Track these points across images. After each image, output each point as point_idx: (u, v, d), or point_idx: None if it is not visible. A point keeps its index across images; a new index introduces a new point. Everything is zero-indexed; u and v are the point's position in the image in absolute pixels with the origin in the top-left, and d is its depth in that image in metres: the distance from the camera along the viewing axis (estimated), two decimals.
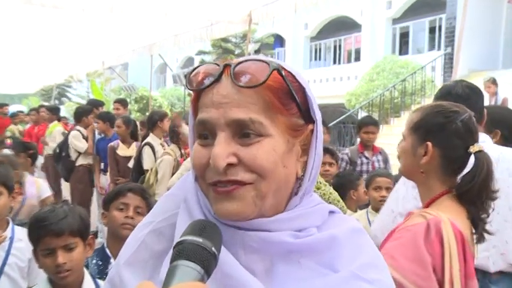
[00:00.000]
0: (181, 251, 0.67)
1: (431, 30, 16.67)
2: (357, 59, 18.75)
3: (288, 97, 0.77)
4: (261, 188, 0.75)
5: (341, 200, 2.41)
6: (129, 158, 5.59)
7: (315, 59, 21.56)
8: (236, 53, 22.21)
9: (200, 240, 0.68)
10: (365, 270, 0.77)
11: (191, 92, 0.82)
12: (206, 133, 0.77)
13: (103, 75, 17.97)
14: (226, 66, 0.76)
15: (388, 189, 3.34)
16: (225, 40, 21.48)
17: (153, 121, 5.37)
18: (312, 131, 0.82)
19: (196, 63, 23.88)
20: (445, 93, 2.34)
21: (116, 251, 2.15)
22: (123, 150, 5.76)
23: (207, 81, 0.77)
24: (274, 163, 0.75)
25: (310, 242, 0.79)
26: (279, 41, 22.78)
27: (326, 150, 3.97)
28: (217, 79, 0.76)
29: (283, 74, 0.77)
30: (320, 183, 2.23)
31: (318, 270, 0.77)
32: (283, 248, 0.78)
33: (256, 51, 20.08)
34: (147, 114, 7.85)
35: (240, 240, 0.78)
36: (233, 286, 0.74)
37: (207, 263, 0.67)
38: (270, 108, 0.75)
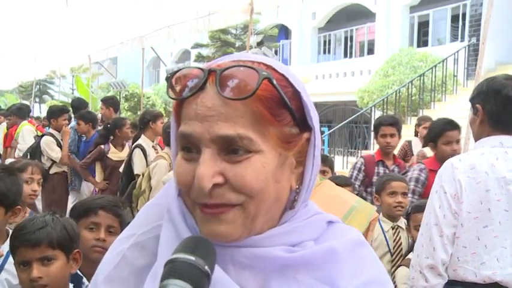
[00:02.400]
0: (172, 270, 0.69)
1: (454, 18, 16.66)
2: (370, 51, 18.75)
3: (279, 106, 0.76)
4: (250, 209, 0.76)
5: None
6: (121, 162, 5.61)
7: (324, 52, 21.57)
8: (236, 45, 22.24)
9: (193, 258, 0.70)
10: None
11: None
12: (190, 146, 0.77)
13: (89, 70, 18.02)
14: (211, 72, 0.75)
15: (404, 194, 3.42)
16: (224, 32, 21.51)
17: (145, 121, 5.38)
18: (309, 139, 0.82)
19: (192, 57, 23.99)
20: (492, 92, 2.32)
21: (88, 270, 2.07)
22: (114, 154, 5.78)
23: (190, 84, 0.76)
24: (264, 181, 0.75)
25: (306, 256, 0.79)
26: (284, 32, 22.81)
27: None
28: (202, 87, 0.75)
29: (275, 82, 0.75)
30: None
31: (317, 287, 0.78)
32: (276, 263, 0.78)
33: (259, 44, 20.08)
34: (139, 113, 7.83)
35: (230, 256, 0.78)
36: None
37: (200, 283, 0.69)
38: (259, 120, 0.75)
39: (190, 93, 0.76)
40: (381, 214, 3.45)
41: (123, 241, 0.89)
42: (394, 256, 3.31)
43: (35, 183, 3.25)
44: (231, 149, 0.74)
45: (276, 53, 21.33)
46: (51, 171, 6.25)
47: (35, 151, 6.38)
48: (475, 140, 2.45)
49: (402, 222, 3.42)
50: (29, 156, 6.36)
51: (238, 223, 0.76)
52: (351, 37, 20.50)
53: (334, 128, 12.73)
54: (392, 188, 3.41)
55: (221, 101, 0.74)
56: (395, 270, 3.15)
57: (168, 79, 0.80)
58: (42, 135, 6.61)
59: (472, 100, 2.44)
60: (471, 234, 2.23)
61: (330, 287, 0.78)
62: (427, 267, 2.26)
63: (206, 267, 0.70)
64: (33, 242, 1.79)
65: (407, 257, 3.09)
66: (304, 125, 0.80)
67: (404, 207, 3.37)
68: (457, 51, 12.86)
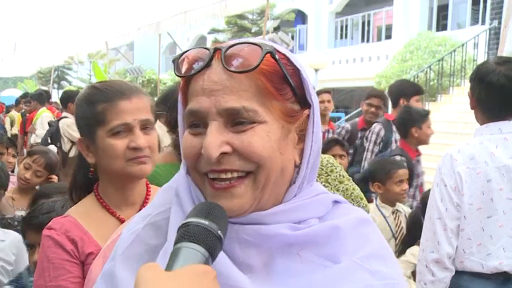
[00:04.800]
0: (186, 233, 0.70)
1: (475, 1, 16.32)
2: (388, 36, 18.51)
3: (282, 82, 0.80)
4: (259, 178, 0.78)
5: (364, 198, 2.44)
6: None
7: (341, 37, 21.34)
8: (253, 30, 22.14)
9: (206, 222, 0.71)
10: (368, 261, 0.79)
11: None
12: (197, 122, 0.79)
13: (106, 56, 18.10)
14: (217, 50, 0.79)
15: (407, 180, 3.50)
16: (240, 17, 21.41)
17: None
18: (309, 116, 0.85)
19: (209, 43, 23.96)
20: (478, 79, 2.32)
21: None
22: None
23: (196, 67, 0.79)
24: (271, 149, 0.78)
25: (310, 234, 0.81)
26: (301, 17, 22.60)
27: (335, 142, 4.05)
28: (208, 64, 0.78)
29: (277, 57, 0.79)
30: (343, 177, 2.26)
31: (319, 263, 0.80)
32: (281, 241, 0.80)
33: (276, 29, 19.99)
34: (156, 99, 7.82)
35: (235, 235, 0.80)
36: (225, 284, 0.77)
37: (212, 246, 0.70)
38: (263, 94, 0.78)
39: (197, 70, 0.79)
40: (378, 200, 3.50)
41: (139, 221, 0.92)
42: (397, 240, 3.35)
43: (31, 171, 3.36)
44: (236, 121, 0.77)
45: (292, 38, 21.17)
46: (71, 154, 6.32)
47: (55, 135, 6.44)
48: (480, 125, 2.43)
49: (400, 205, 3.49)
50: (49, 140, 6.45)
51: (248, 195, 0.79)
52: (369, 22, 20.22)
53: (351, 114, 12.64)
54: (400, 177, 3.46)
55: (227, 75, 0.77)
56: (400, 254, 3.15)
57: (175, 60, 0.83)
58: (60, 119, 6.67)
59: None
60: (475, 226, 2.21)
61: (332, 262, 0.80)
62: (433, 262, 2.24)
63: (219, 232, 0.71)
64: (37, 226, 1.79)
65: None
66: (304, 102, 0.84)
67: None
68: (478, 35, 12.61)
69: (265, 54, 0.77)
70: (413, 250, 3.06)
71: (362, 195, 2.40)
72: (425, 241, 2.30)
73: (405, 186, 3.44)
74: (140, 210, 1.44)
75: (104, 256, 1.32)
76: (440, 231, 2.23)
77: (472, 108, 2.38)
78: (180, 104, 0.86)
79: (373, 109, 4.99)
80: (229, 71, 0.76)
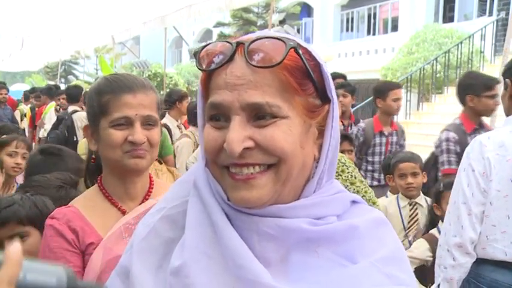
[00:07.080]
0: None
1: None
2: (394, 28, 18.40)
3: (304, 77, 0.79)
4: (281, 172, 0.78)
5: (377, 201, 2.42)
6: None
7: (347, 29, 21.24)
8: (258, 24, 22.06)
9: None
10: (384, 263, 0.79)
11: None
12: (219, 115, 0.79)
13: (113, 50, 18.11)
14: (239, 44, 0.78)
15: (414, 174, 3.41)
16: (246, 10, 21.32)
17: (171, 101, 5.44)
18: (329, 111, 0.84)
19: (214, 36, 23.94)
20: None
21: None
22: None
23: (218, 61, 0.79)
24: (293, 143, 0.78)
25: (329, 230, 0.81)
26: (306, 10, 22.50)
27: (344, 137, 3.97)
28: (230, 58, 0.78)
29: (300, 52, 0.78)
30: (355, 178, 2.20)
31: (336, 261, 0.80)
32: (300, 235, 0.80)
33: (281, 22, 19.91)
34: (162, 93, 7.84)
35: (255, 227, 0.80)
36: (244, 277, 0.77)
37: None
38: (286, 89, 0.78)
39: (219, 64, 0.78)
40: (400, 192, 3.52)
41: (154, 214, 0.92)
42: (407, 231, 3.36)
43: (19, 156, 3.37)
44: (259, 115, 0.77)
45: (298, 31, 21.08)
46: None
47: (71, 129, 6.48)
48: (507, 115, 2.41)
49: (422, 199, 3.45)
50: (67, 134, 6.45)
51: (268, 187, 0.79)
52: (374, 14, 20.09)
53: (357, 106, 12.57)
54: (401, 170, 3.46)
55: (250, 70, 0.77)
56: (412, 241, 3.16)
57: (197, 53, 0.82)
58: (72, 113, 6.73)
59: (504, 75, 2.40)
60: (501, 213, 2.20)
61: (349, 261, 0.80)
62: (455, 246, 2.23)
63: None
64: (1, 220, 1.79)
65: (429, 232, 3.07)
66: (324, 97, 0.83)
67: (417, 187, 3.41)
68: (485, 27, 12.50)
69: (290, 49, 0.76)
70: (418, 243, 3.05)
71: (375, 199, 2.34)
72: (448, 225, 2.29)
73: (409, 179, 3.40)
74: (142, 203, 1.47)
75: (105, 247, 1.34)
76: (464, 215, 2.22)
77: (509, 97, 2.37)
78: (200, 98, 0.86)
79: (399, 102, 4.50)
80: (253, 65, 0.76)
